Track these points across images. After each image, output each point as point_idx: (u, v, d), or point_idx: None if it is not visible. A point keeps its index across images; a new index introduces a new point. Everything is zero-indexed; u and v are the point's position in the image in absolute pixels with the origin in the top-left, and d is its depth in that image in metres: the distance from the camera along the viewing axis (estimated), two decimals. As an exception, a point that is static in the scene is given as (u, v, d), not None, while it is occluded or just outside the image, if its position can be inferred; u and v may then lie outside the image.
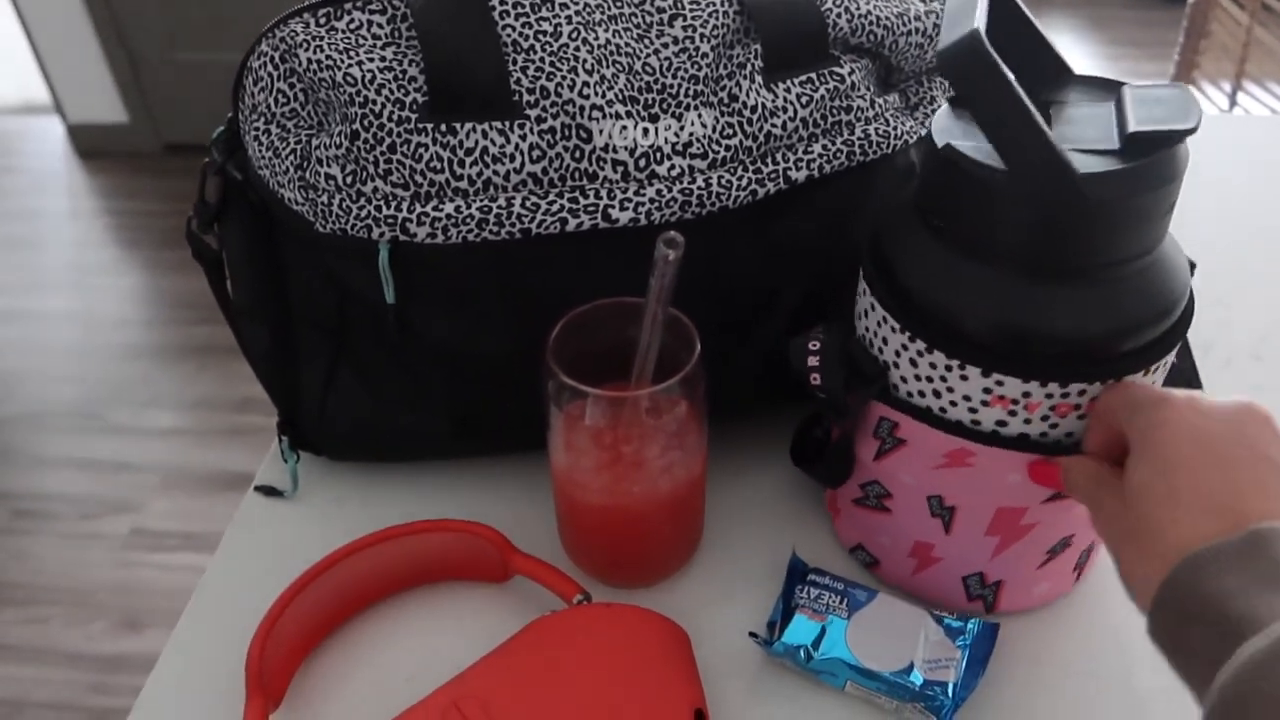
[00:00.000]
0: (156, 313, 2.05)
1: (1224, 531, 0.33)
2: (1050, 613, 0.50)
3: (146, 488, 1.67)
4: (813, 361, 0.45)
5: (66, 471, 1.71)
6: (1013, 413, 0.41)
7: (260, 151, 0.49)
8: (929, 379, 0.43)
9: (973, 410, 0.42)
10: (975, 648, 0.46)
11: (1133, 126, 0.37)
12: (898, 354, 0.43)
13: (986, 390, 0.41)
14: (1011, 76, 0.36)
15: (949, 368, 0.41)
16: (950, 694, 0.44)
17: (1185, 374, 0.46)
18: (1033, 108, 0.36)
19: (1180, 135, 0.37)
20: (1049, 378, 0.40)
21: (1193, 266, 0.43)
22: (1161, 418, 0.37)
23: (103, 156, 2.55)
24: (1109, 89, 0.41)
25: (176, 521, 1.61)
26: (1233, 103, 1.66)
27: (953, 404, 0.42)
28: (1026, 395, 0.41)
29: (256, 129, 0.49)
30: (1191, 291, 0.42)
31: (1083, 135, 0.39)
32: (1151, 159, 0.37)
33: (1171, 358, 0.42)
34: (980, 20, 0.37)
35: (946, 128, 0.40)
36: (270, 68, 0.48)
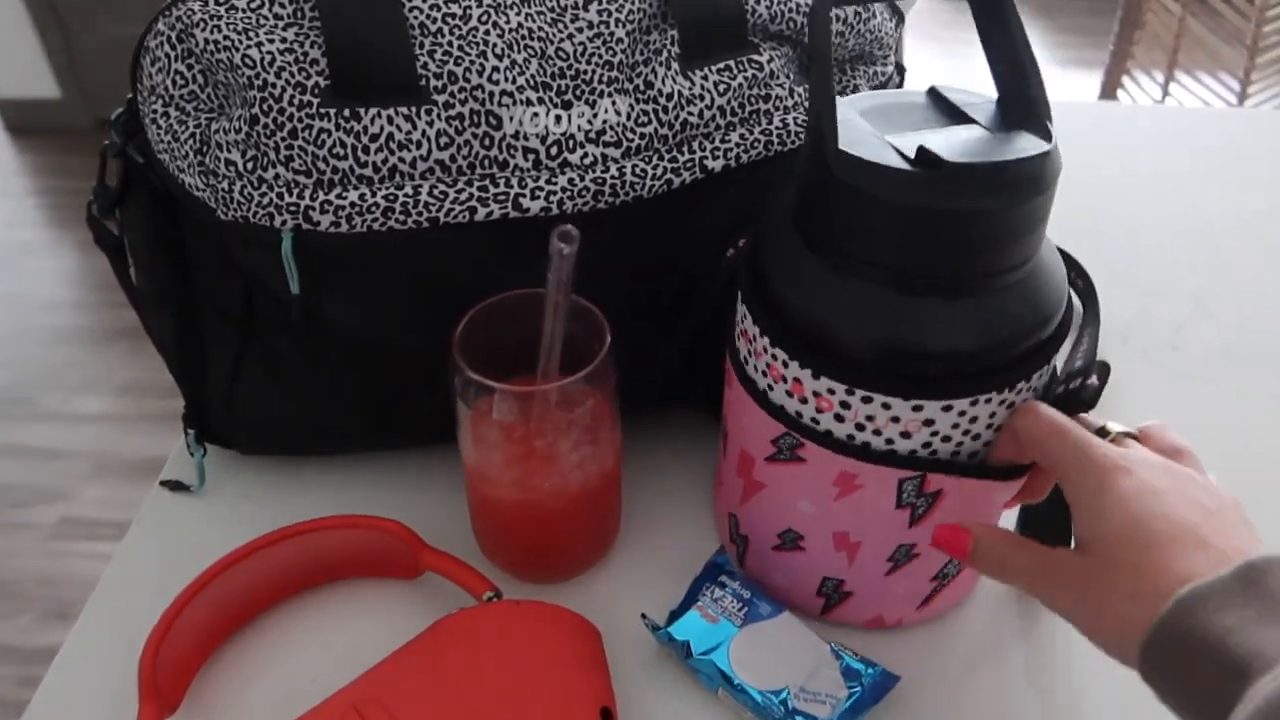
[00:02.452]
0: (88, 295, 2.00)
1: (1214, 566, 0.32)
2: (956, 671, 0.48)
3: (76, 475, 1.63)
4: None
5: (-7, 459, 1.66)
6: (770, 385, 0.42)
7: (159, 135, 0.47)
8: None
9: (745, 360, 0.44)
10: (866, 693, 0.44)
11: (929, 144, 0.37)
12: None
13: (763, 350, 0.42)
14: (829, 47, 0.39)
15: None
16: None
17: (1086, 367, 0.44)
18: (831, 81, 0.38)
19: (936, 160, 0.36)
20: (793, 354, 0.40)
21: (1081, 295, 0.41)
22: (1115, 483, 0.36)
23: (33, 133, 2.48)
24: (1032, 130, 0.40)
25: (107, 510, 1.58)
26: (1165, 93, 1.68)
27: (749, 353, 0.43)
28: (782, 364, 0.41)
29: (155, 111, 0.47)
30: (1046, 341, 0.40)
31: (932, 145, 0.37)
32: (926, 172, 0.36)
33: (962, 404, 0.39)
34: None
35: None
36: (167, 47, 0.46)
